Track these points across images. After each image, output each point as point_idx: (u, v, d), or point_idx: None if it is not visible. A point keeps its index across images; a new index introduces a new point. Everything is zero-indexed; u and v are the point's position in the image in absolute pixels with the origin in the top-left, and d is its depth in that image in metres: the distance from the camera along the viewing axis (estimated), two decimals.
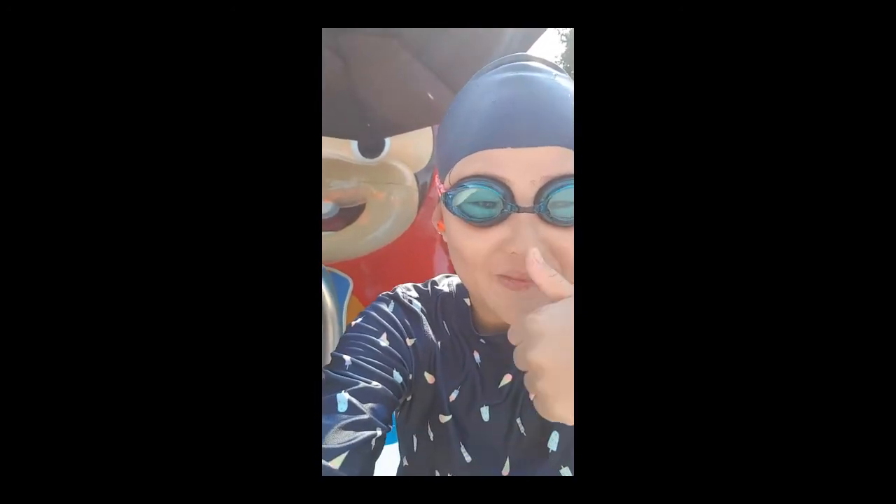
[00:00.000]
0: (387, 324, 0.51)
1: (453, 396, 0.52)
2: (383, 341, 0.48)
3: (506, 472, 0.51)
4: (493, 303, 0.45)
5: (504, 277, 0.43)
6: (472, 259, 0.44)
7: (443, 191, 0.46)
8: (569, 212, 0.41)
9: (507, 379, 0.52)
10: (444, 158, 0.47)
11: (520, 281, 0.42)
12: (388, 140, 2.22)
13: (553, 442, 0.51)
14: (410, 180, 2.25)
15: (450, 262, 0.51)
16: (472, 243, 0.43)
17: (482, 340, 0.53)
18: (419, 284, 0.58)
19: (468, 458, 0.51)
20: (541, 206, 0.41)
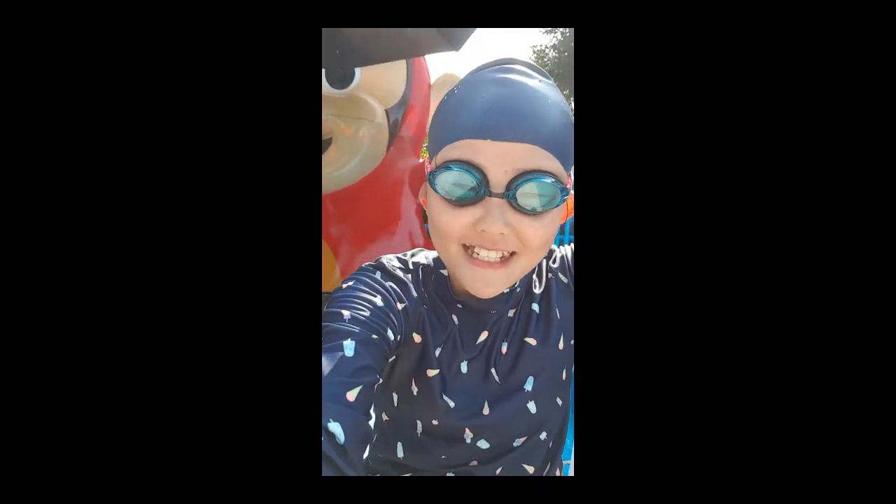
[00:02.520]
0: (379, 287, 0.56)
1: (437, 352, 0.60)
2: (378, 301, 0.53)
3: (485, 411, 0.60)
4: (461, 274, 0.52)
5: (473, 255, 0.51)
6: (447, 232, 0.50)
7: (429, 170, 0.52)
8: (534, 202, 0.47)
9: (483, 336, 0.61)
10: (434, 142, 0.53)
11: (481, 262, 0.50)
12: (358, 71, 2.11)
13: (528, 384, 0.61)
14: (381, 116, 2.11)
15: (421, 224, 0.57)
16: (449, 219, 0.50)
17: (459, 305, 0.61)
18: (399, 255, 0.65)
19: (451, 404, 0.59)
20: (510, 194, 0.47)
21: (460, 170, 0.47)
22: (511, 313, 0.62)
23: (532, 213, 0.48)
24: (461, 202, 0.48)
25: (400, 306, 0.56)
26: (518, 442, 0.62)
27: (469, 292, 0.54)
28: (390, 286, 0.57)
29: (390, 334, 0.52)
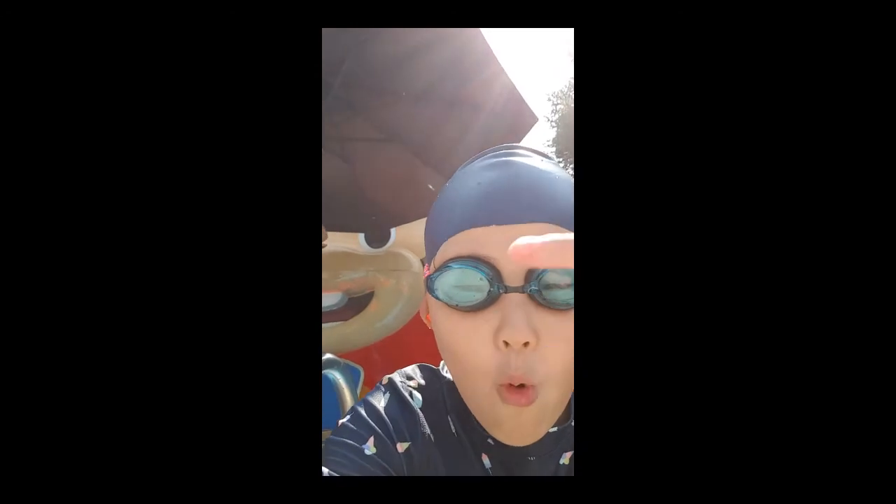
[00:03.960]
0: (375, 425, 0.44)
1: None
2: (369, 448, 0.43)
3: None
4: (484, 416, 0.41)
5: (505, 389, 0.39)
6: (463, 356, 0.40)
7: (426, 275, 0.43)
8: (565, 295, 0.37)
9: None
10: (429, 245, 0.44)
11: (519, 393, 0.38)
12: (393, 230, 2.33)
13: None
14: (417, 266, 2.32)
15: None
16: (460, 334, 0.40)
17: (490, 441, 0.46)
18: (423, 368, 0.53)
19: None
20: (532, 287, 0.37)
21: (464, 266, 0.38)
22: (566, 460, 0.47)
23: (564, 308, 0.38)
24: (471, 307, 0.39)
25: (401, 448, 0.44)
26: None
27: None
28: (391, 420, 0.45)
29: None
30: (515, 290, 0.38)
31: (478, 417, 0.43)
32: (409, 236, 2.35)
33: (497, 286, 0.38)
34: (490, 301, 0.38)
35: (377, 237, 2.26)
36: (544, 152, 0.46)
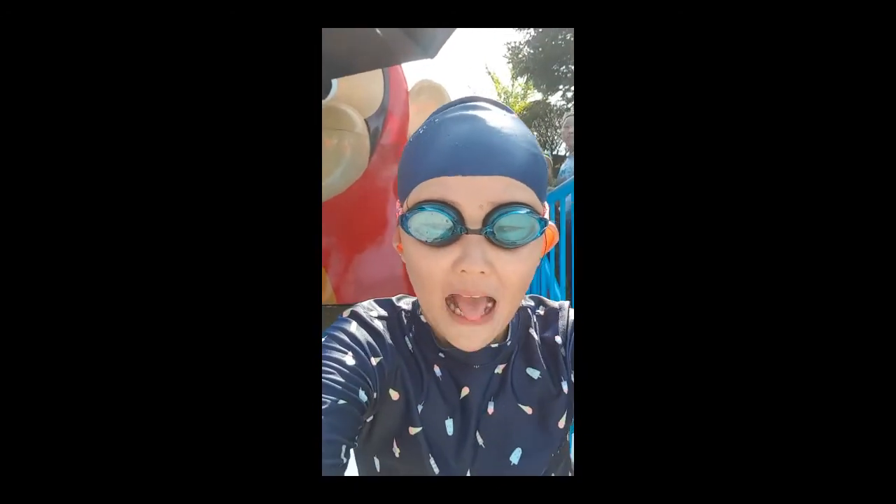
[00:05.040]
0: (352, 343, 0.53)
1: (420, 409, 0.55)
2: (350, 360, 0.51)
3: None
4: (444, 331, 0.50)
5: (454, 313, 0.49)
6: (427, 278, 0.48)
7: (400, 213, 0.50)
8: (513, 235, 0.46)
9: (465, 391, 0.56)
10: (403, 186, 0.51)
11: (464, 318, 0.48)
12: (335, 82, 2.16)
13: (515, 456, 0.55)
14: (360, 126, 2.15)
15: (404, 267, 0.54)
16: (427, 262, 0.48)
17: (441, 354, 0.57)
18: (380, 302, 0.61)
19: (436, 470, 0.54)
20: (487, 230, 0.45)
21: (433, 209, 0.45)
22: (499, 370, 0.58)
23: (511, 246, 0.46)
24: (437, 243, 0.46)
25: (374, 361, 0.53)
26: None
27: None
28: (365, 339, 0.54)
29: (363, 395, 0.49)
30: (474, 231, 0.46)
31: (437, 328, 0.53)
32: (352, 90, 2.13)
33: (459, 227, 0.46)
34: (453, 239, 0.46)
35: None
36: (506, 106, 0.53)
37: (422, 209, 0.46)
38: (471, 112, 0.49)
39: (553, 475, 0.58)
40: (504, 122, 0.48)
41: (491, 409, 0.56)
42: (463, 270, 0.46)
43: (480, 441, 0.55)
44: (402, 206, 0.51)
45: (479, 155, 0.45)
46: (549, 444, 0.56)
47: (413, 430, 0.55)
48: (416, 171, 0.48)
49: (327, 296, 2.37)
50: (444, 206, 0.45)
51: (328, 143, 2.12)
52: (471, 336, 0.49)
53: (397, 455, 0.55)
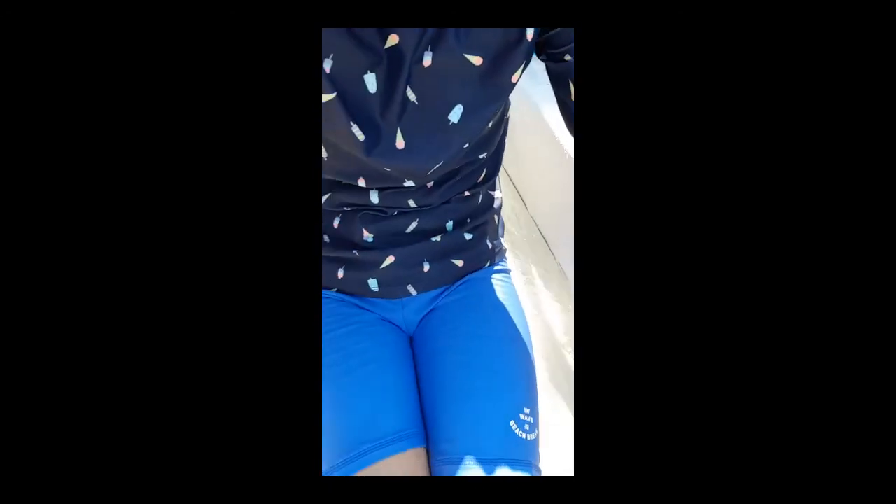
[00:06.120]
0: None
1: (328, 66, 0.43)
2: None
3: (399, 144, 0.46)
4: None
5: None
6: None
7: None
8: None
9: (394, 40, 0.44)
10: None
11: None
12: None
13: (455, 114, 0.46)
14: None
15: None
16: None
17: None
18: None
19: (361, 137, 0.45)
20: None
21: None
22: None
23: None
24: None
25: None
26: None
27: None
28: None
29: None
30: None
31: None
32: None
33: None
34: None
35: None
36: None
37: None
38: None
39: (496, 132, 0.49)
40: None
41: (427, 62, 0.44)
42: None
43: (412, 97, 0.45)
44: None
45: None
46: (496, 98, 0.46)
47: (326, 98, 0.43)
48: None
49: None
50: None
51: None
52: None
53: (325, 158, 0.46)
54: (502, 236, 0.70)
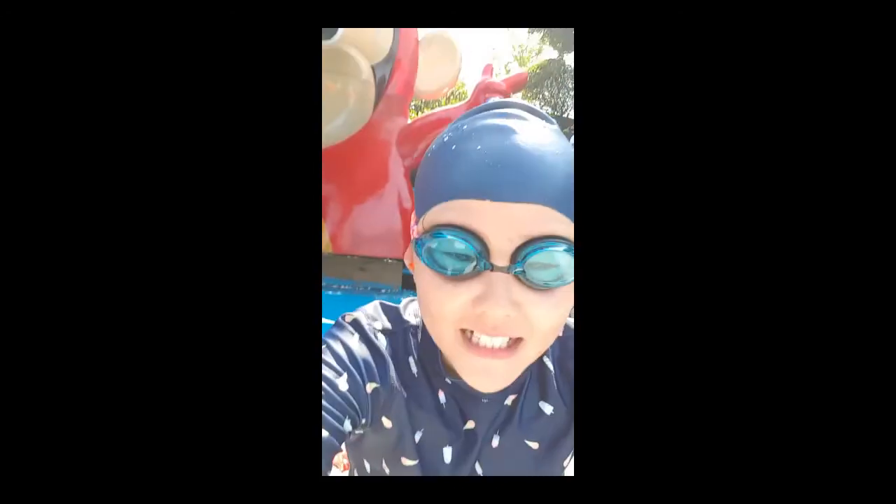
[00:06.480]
0: (349, 363, 0.48)
1: (418, 437, 0.51)
2: (342, 384, 0.46)
3: None
4: (458, 365, 0.44)
5: (469, 341, 0.41)
6: (439, 314, 0.41)
7: (415, 235, 0.43)
8: (548, 275, 0.39)
9: (471, 425, 0.52)
10: (420, 199, 0.44)
11: (482, 349, 0.41)
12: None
13: None
14: (367, 73, 1.99)
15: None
16: (440, 296, 0.41)
17: (448, 381, 0.51)
18: (386, 310, 0.55)
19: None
20: (517, 266, 0.38)
21: (455, 237, 0.38)
22: (509, 402, 0.52)
23: (544, 287, 0.39)
24: (455, 277, 0.39)
25: (370, 388, 0.48)
26: None
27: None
28: (363, 359, 0.48)
29: (347, 426, 0.44)
30: (501, 268, 0.38)
31: (447, 357, 0.46)
32: (360, 31, 1.96)
33: (483, 262, 0.38)
34: (474, 274, 0.39)
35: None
36: (546, 115, 0.45)
37: (440, 235, 0.39)
38: (504, 122, 0.41)
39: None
40: (543, 138, 0.40)
41: (495, 443, 0.51)
42: (483, 312, 0.39)
43: (479, 471, 0.52)
44: (417, 224, 0.44)
45: (513, 178, 0.38)
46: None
47: (407, 462, 0.50)
48: (437, 187, 0.41)
49: (324, 244, 2.30)
50: (468, 234, 0.38)
51: (331, 87, 1.95)
52: (489, 372, 0.41)
53: (387, 472, 0.52)
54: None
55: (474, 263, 0.39)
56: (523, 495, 0.40)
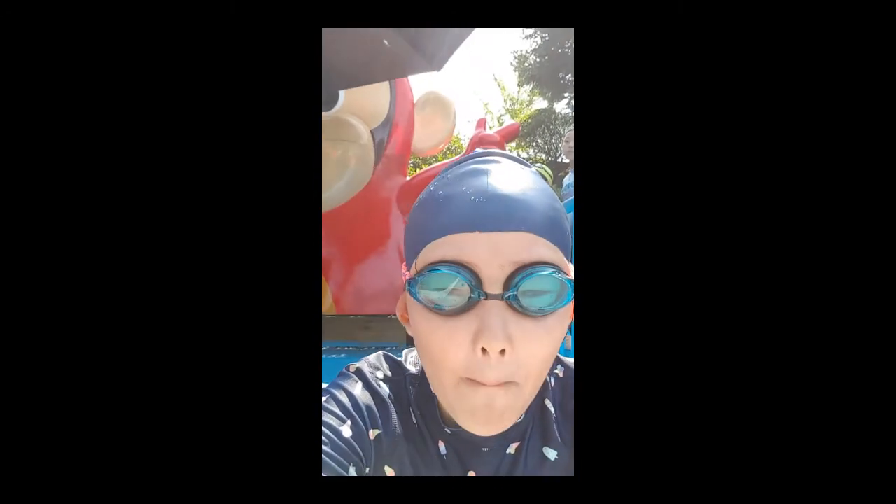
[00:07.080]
0: (352, 410, 0.48)
1: None
2: (346, 430, 0.46)
3: None
4: (456, 405, 0.43)
5: (470, 380, 0.41)
6: (441, 358, 0.42)
7: (407, 278, 0.44)
8: (541, 301, 0.40)
9: (471, 475, 0.51)
10: (410, 246, 0.46)
11: (480, 384, 0.40)
12: (341, 93, 2.13)
13: None
14: (366, 137, 2.10)
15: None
16: (440, 338, 0.41)
17: (448, 431, 0.51)
18: (388, 359, 0.56)
19: None
20: (510, 293, 0.39)
21: (447, 271, 0.39)
22: (512, 450, 0.51)
23: (538, 314, 0.40)
24: (451, 312, 0.40)
25: (373, 435, 0.48)
26: None
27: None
28: (366, 406, 0.49)
29: (351, 471, 0.44)
30: (494, 297, 0.39)
31: (450, 410, 0.45)
32: (358, 101, 2.12)
33: (477, 292, 0.39)
34: (469, 306, 0.40)
35: (323, 99, 2.07)
36: (523, 160, 0.48)
37: (434, 271, 0.40)
38: (485, 165, 0.44)
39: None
40: (522, 175, 0.43)
41: None
42: (483, 348, 0.39)
43: None
44: (408, 270, 0.45)
45: (498, 209, 0.40)
46: None
47: None
48: (426, 230, 0.42)
49: (327, 306, 2.36)
50: (459, 267, 0.39)
51: (333, 153, 2.08)
52: (490, 406, 0.40)
53: None
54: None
55: (468, 295, 0.39)
56: (523, 495, 0.40)
